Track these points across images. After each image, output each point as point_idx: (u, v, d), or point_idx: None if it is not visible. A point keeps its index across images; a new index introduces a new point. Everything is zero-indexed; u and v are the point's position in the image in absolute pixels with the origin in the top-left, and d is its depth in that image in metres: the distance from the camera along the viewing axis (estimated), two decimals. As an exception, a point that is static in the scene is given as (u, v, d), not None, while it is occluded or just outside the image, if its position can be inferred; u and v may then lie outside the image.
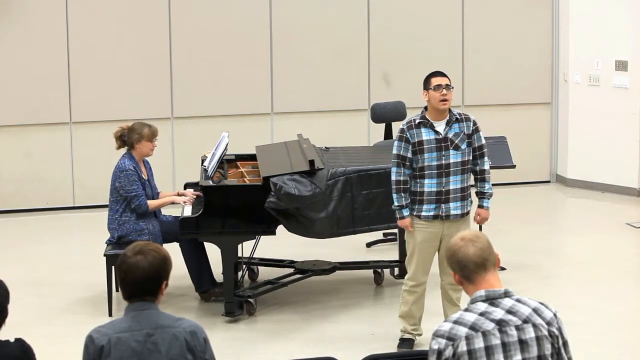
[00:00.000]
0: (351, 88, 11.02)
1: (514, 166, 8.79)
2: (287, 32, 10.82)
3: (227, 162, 8.01)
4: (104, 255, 7.43)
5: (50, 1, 10.29)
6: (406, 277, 6.66)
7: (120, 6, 10.45)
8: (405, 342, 6.69)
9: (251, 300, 7.36)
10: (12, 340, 3.82)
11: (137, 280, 3.63)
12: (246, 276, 8.00)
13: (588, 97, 11.08)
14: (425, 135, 6.39)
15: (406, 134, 6.41)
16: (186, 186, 8.17)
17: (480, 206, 6.65)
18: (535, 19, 11.33)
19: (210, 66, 10.69)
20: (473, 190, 6.59)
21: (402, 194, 6.43)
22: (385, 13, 10.99)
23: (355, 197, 7.26)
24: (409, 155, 6.40)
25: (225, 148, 7.85)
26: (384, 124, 9.62)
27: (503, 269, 7.87)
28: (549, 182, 11.62)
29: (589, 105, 11.08)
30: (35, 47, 10.29)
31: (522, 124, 11.35)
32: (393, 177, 6.45)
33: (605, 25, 10.85)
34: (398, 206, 6.45)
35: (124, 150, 7.56)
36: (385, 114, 9.60)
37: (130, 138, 7.50)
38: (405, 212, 6.44)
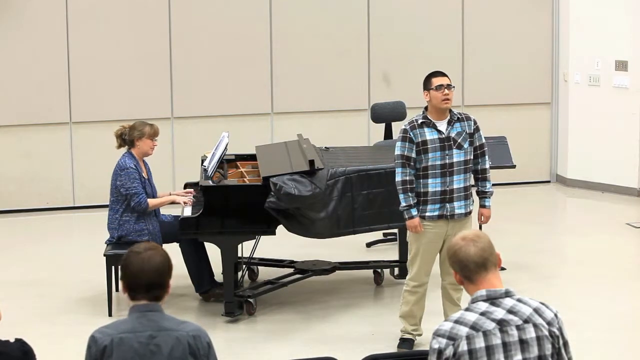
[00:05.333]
0: (351, 88, 11.02)
1: (514, 166, 8.79)
2: (287, 32, 10.82)
3: (227, 162, 8.02)
4: (104, 255, 7.43)
5: (50, 1, 10.29)
6: (408, 277, 6.65)
7: (120, 6, 10.45)
8: (405, 342, 6.69)
9: (251, 300, 7.35)
10: (12, 340, 3.80)
11: (150, 276, 3.60)
12: (246, 276, 8.00)
13: (588, 97, 11.08)
14: (429, 134, 6.38)
15: (409, 134, 6.40)
16: (186, 186, 8.17)
17: (482, 206, 6.65)
18: (535, 19, 11.33)
19: (210, 66, 10.69)
20: (473, 190, 6.59)
21: (409, 194, 6.39)
22: (385, 13, 10.99)
23: (355, 197, 7.25)
24: (413, 155, 6.39)
25: (225, 148, 7.85)
26: (384, 124, 9.62)
27: (503, 269, 7.86)
28: (549, 182, 11.62)
29: (589, 105, 11.08)
30: (35, 47, 10.29)
31: (522, 124, 11.35)
32: (398, 178, 6.42)
33: (605, 25, 10.84)
34: (406, 206, 6.41)
35: (123, 150, 7.56)
36: (385, 114, 9.60)
37: (131, 135, 7.48)
38: (414, 212, 6.39)
